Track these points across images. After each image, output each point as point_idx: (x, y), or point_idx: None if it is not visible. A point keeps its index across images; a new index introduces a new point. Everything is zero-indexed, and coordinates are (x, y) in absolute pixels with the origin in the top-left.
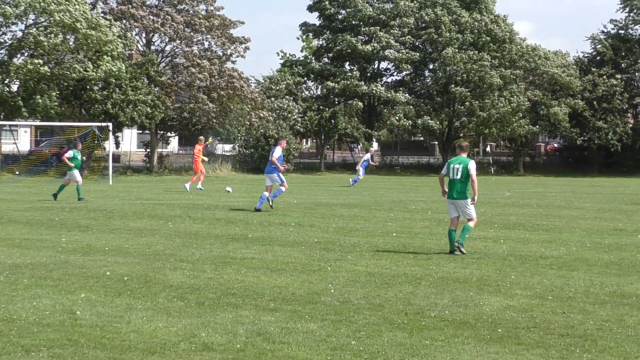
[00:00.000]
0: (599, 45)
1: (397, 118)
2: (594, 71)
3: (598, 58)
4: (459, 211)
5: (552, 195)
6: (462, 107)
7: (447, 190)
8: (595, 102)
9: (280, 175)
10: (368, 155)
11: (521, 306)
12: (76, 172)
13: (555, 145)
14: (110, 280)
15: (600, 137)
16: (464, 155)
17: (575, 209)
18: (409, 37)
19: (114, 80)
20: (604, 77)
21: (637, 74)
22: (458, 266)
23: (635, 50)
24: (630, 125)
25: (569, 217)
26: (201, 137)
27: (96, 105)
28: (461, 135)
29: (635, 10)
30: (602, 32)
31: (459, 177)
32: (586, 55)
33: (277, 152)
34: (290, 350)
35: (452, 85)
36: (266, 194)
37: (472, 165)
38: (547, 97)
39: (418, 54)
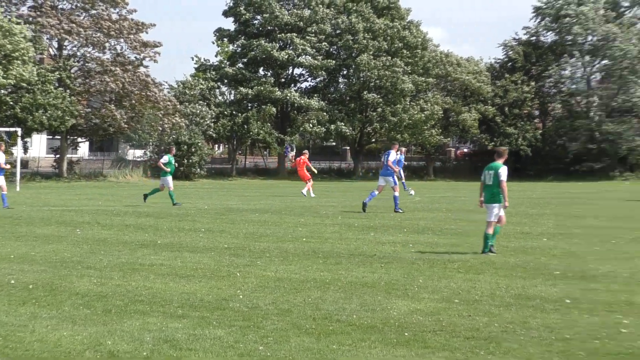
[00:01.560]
0: (511, 52)
1: (310, 124)
2: (506, 77)
3: (510, 65)
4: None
5: (461, 200)
6: (375, 113)
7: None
8: (506, 108)
9: (395, 178)
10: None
11: (428, 310)
12: (169, 178)
13: (465, 150)
14: (14, 289)
15: (510, 143)
16: (500, 160)
17: (483, 214)
18: (325, 43)
19: (25, 85)
20: (516, 83)
21: (547, 80)
22: (367, 271)
23: (546, 57)
24: (540, 131)
25: (477, 221)
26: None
27: (4, 109)
28: (373, 140)
29: (546, 18)
30: (514, 39)
31: (491, 182)
32: (498, 61)
33: (392, 156)
34: (198, 357)
35: (365, 92)
36: (376, 192)
37: (503, 171)
38: (458, 104)
39: (333, 61)
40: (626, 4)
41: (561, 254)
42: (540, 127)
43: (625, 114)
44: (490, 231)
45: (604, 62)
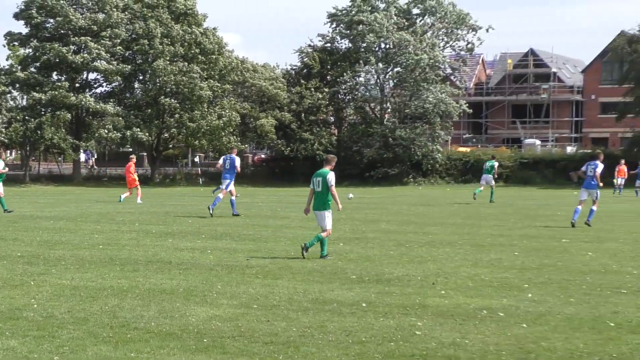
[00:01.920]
0: (306, 59)
1: (106, 130)
2: (301, 84)
3: (305, 71)
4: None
5: (258, 206)
6: (172, 119)
7: None
8: (302, 114)
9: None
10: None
11: (227, 315)
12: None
13: (263, 156)
14: None
15: (306, 148)
16: (328, 167)
17: (280, 219)
18: (120, 48)
19: None
20: (311, 89)
21: (342, 86)
22: (165, 277)
23: (341, 64)
24: (335, 137)
25: (274, 226)
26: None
27: None
28: (170, 146)
29: (341, 25)
30: (310, 45)
31: (320, 189)
32: (294, 68)
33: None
34: None
35: (162, 97)
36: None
37: (331, 177)
38: (255, 110)
39: (129, 65)
40: (417, 12)
41: (357, 258)
42: (336, 133)
43: (417, 120)
44: (324, 235)
45: (397, 69)
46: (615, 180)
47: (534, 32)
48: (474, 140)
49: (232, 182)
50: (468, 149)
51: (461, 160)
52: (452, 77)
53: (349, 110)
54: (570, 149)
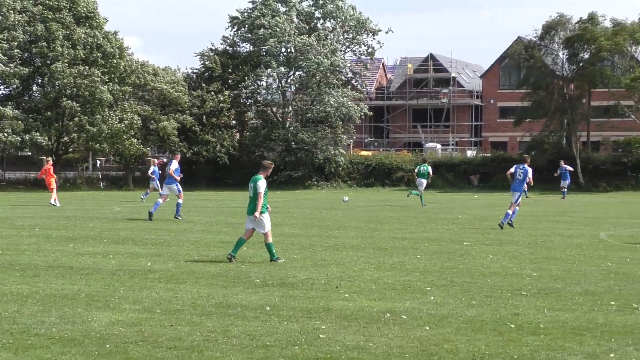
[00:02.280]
0: (208, 62)
1: (4, 133)
2: (203, 87)
3: (207, 74)
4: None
5: (160, 210)
6: (72, 122)
7: None
8: (204, 117)
9: (179, 186)
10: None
11: (130, 320)
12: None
13: (164, 160)
14: None
15: (208, 151)
16: (262, 174)
17: (183, 223)
18: (17, 50)
19: None
20: (213, 93)
21: (244, 90)
22: (66, 282)
23: (243, 67)
24: (237, 141)
25: (177, 230)
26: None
27: None
28: (70, 150)
29: (242, 28)
30: (211, 49)
31: (252, 194)
32: (195, 71)
33: (174, 165)
34: None
35: (63, 100)
36: (160, 201)
37: (261, 183)
38: (156, 112)
39: (27, 68)
40: (318, 15)
41: (261, 262)
42: (238, 137)
43: (319, 124)
44: (270, 240)
45: (298, 73)
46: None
47: (433, 37)
48: (376, 144)
49: (176, 185)
50: (370, 153)
51: (363, 164)
52: (353, 82)
53: (251, 114)
54: (470, 153)
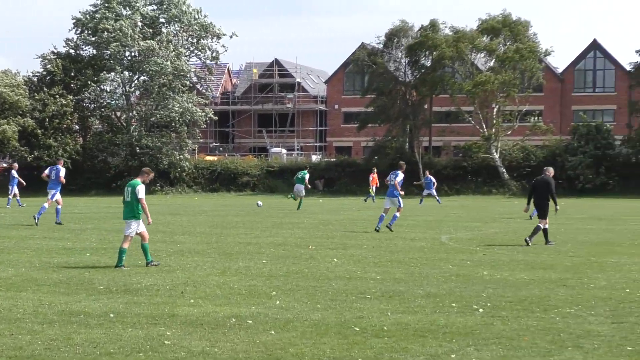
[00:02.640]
0: (49, 65)
1: None
2: (45, 91)
3: (49, 78)
4: None
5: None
6: None
7: None
8: (46, 121)
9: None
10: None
11: None
12: None
13: (4, 164)
14: None
15: (49, 155)
16: (140, 179)
17: (24, 229)
18: None
19: None
20: (55, 97)
21: (87, 94)
22: None
23: (86, 71)
24: (80, 145)
25: (18, 237)
26: None
27: None
28: None
29: (86, 31)
30: (53, 52)
31: (129, 199)
32: (36, 74)
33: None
34: None
35: None
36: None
37: (140, 188)
38: None
39: None
40: (162, 20)
41: (105, 268)
42: (81, 141)
43: (164, 129)
44: (126, 246)
45: (142, 78)
46: (370, 189)
47: (278, 42)
48: (221, 149)
49: (58, 192)
50: (215, 158)
51: (208, 169)
52: (198, 86)
53: (94, 119)
54: (315, 158)
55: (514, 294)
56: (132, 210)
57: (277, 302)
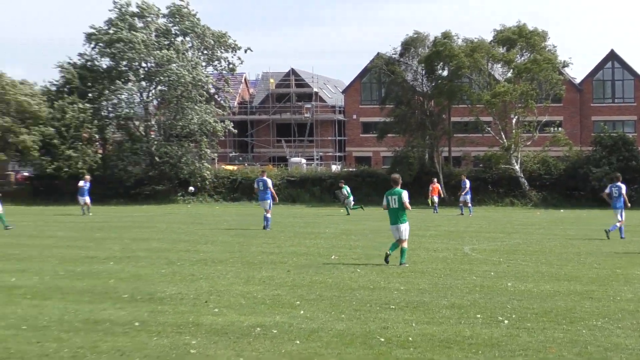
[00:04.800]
0: (68, 75)
1: None
2: (64, 98)
3: (67, 88)
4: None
5: (23, 225)
6: None
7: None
8: (64, 131)
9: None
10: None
11: None
12: None
13: (26, 174)
14: None
15: (70, 166)
16: (398, 187)
17: (47, 238)
18: None
19: None
20: (73, 104)
21: (105, 104)
22: None
23: (103, 81)
24: (100, 155)
25: (42, 246)
26: None
27: None
28: None
29: (100, 44)
30: (69, 63)
31: (396, 205)
32: (54, 84)
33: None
34: None
35: None
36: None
37: (405, 195)
38: (16, 125)
39: None
40: (176, 32)
41: (129, 277)
42: (101, 151)
43: (184, 139)
44: (406, 245)
45: (160, 87)
46: (430, 200)
47: (294, 52)
48: (241, 158)
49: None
50: (235, 167)
51: (229, 178)
52: (216, 97)
53: (113, 129)
54: (335, 168)
55: (539, 306)
56: (399, 216)
57: (302, 312)
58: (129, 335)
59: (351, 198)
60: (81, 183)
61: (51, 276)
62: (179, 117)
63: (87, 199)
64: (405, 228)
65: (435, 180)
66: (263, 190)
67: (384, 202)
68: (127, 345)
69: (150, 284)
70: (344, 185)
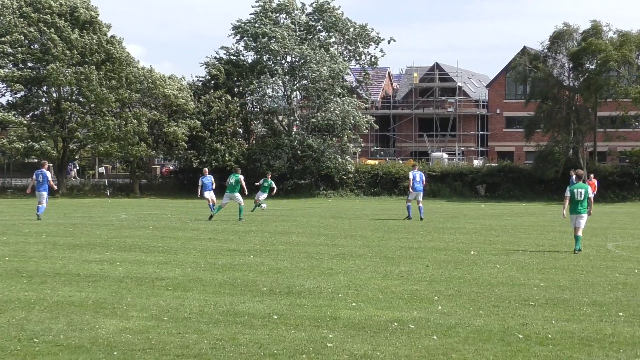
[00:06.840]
0: (213, 70)
1: (8, 140)
2: (211, 93)
3: (213, 82)
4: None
5: (167, 217)
6: (77, 126)
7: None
8: (211, 125)
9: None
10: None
11: (137, 328)
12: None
13: (171, 167)
14: None
15: (217, 159)
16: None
17: (190, 231)
18: (21, 54)
19: None
20: (219, 100)
21: (249, 98)
22: (74, 290)
23: (248, 75)
24: (246, 146)
25: (184, 238)
26: None
27: None
28: (77, 157)
29: (245, 37)
30: (215, 57)
31: (581, 198)
32: (201, 79)
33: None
34: None
35: (68, 104)
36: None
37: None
38: (164, 119)
39: (30, 72)
40: (319, 27)
41: (268, 270)
42: (245, 145)
43: (325, 133)
44: (580, 234)
45: (303, 82)
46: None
47: (439, 47)
48: (382, 153)
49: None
50: (376, 162)
51: (370, 173)
52: (358, 90)
53: (257, 122)
54: (477, 162)
55: None
56: (584, 207)
57: (439, 307)
58: (267, 328)
59: (265, 195)
60: (205, 179)
61: (192, 268)
62: (321, 110)
63: (212, 194)
64: (585, 218)
65: (592, 175)
66: (419, 182)
67: (567, 194)
68: (265, 337)
69: (289, 278)
70: (269, 178)
